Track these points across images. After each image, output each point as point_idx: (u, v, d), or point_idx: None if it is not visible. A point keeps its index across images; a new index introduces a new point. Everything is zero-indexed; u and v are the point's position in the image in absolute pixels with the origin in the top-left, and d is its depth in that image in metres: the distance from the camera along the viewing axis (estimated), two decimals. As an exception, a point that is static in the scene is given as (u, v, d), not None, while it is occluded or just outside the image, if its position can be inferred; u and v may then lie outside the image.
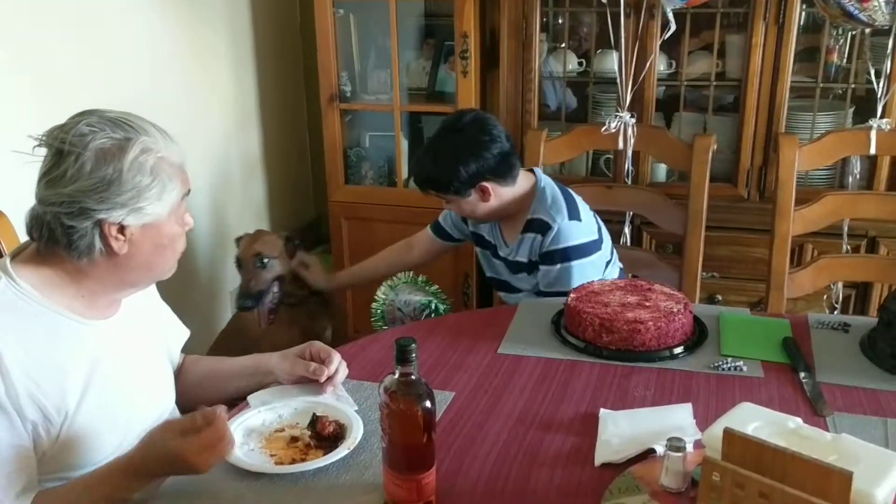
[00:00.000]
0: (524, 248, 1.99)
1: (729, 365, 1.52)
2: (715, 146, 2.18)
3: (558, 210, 1.94)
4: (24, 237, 1.32)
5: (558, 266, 1.92)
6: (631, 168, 2.53)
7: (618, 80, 2.48)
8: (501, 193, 1.95)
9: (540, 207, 1.96)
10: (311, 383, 1.43)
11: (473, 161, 1.88)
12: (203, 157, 2.75)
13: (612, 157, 2.68)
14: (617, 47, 2.47)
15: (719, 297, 2.62)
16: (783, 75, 2.42)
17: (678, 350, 1.58)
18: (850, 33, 2.46)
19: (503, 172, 1.92)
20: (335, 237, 3.01)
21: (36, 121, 1.25)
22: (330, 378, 1.41)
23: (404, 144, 2.92)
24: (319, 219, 3.45)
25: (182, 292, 2.43)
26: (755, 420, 1.12)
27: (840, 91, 2.56)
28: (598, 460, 1.24)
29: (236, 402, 1.42)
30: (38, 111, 1.92)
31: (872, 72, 2.33)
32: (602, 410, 1.37)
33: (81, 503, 1.17)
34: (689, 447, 1.16)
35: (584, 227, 1.96)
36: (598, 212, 2.09)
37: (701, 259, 2.19)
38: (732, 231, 2.57)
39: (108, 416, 1.26)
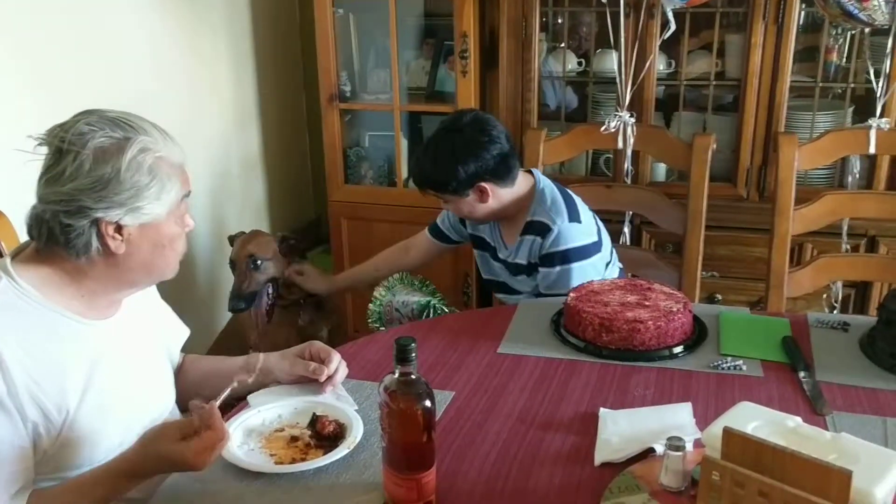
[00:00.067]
0: (523, 250, 1.98)
1: (728, 364, 1.52)
2: (714, 146, 2.18)
3: (558, 212, 1.94)
4: (24, 237, 1.32)
5: (558, 268, 1.92)
6: (630, 168, 2.53)
7: (617, 80, 2.48)
8: (500, 194, 1.95)
9: (539, 209, 1.96)
10: (311, 383, 1.43)
11: (472, 161, 1.88)
12: (203, 157, 2.75)
13: (611, 156, 2.68)
14: (616, 47, 2.48)
15: (719, 297, 2.62)
16: (782, 75, 2.42)
17: (678, 349, 1.58)
18: (849, 33, 2.46)
19: (502, 173, 1.92)
20: (335, 237, 3.01)
21: (36, 121, 1.25)
22: (330, 377, 1.41)
23: (404, 144, 2.93)
24: (319, 219, 3.45)
25: (182, 292, 2.43)
26: (755, 419, 1.12)
27: (839, 90, 2.56)
28: (597, 459, 1.24)
29: (236, 402, 1.43)
30: (38, 111, 1.92)
31: (872, 71, 2.33)
32: (602, 410, 1.37)
33: None
34: (689, 446, 1.17)
35: (583, 228, 1.95)
36: (597, 211, 2.09)
37: (700, 258, 2.19)
38: (732, 230, 2.56)
39: (108, 416, 1.26)
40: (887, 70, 2.32)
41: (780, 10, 2.37)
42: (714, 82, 2.58)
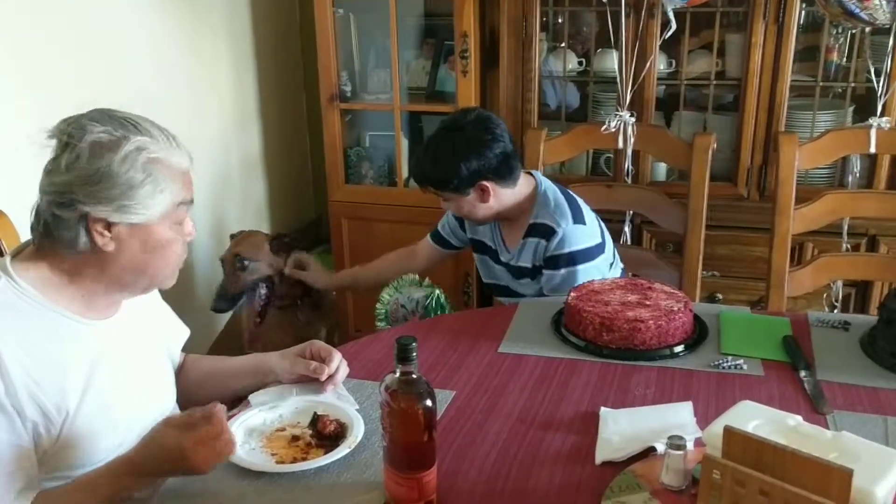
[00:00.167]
0: (527, 253, 1.97)
1: (729, 363, 1.52)
2: (715, 145, 2.18)
3: (562, 214, 1.93)
4: (25, 236, 1.32)
5: (563, 271, 1.91)
6: (631, 167, 2.53)
7: (618, 80, 2.48)
8: (501, 194, 1.94)
9: (543, 211, 1.95)
10: (312, 382, 1.43)
11: (475, 159, 1.86)
12: (203, 157, 2.75)
13: (612, 156, 2.68)
14: (617, 46, 2.48)
15: (719, 296, 2.62)
16: (783, 74, 2.42)
17: (678, 349, 1.58)
18: (849, 32, 2.46)
19: (504, 173, 1.91)
20: (335, 237, 3.01)
21: (36, 121, 1.25)
22: (331, 377, 1.41)
23: (404, 144, 2.92)
24: (320, 219, 3.45)
25: (182, 292, 2.42)
26: (755, 418, 1.12)
27: (840, 90, 2.56)
28: (598, 459, 1.24)
29: (237, 401, 1.43)
30: (38, 111, 1.92)
31: (872, 70, 2.33)
32: (602, 409, 1.37)
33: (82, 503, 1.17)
34: (690, 445, 1.16)
35: (588, 230, 1.95)
36: (598, 211, 2.08)
37: (701, 258, 2.19)
38: (732, 230, 2.56)
39: (108, 416, 1.26)
40: (888, 69, 2.32)
41: (781, 9, 2.37)
42: (714, 82, 2.58)
